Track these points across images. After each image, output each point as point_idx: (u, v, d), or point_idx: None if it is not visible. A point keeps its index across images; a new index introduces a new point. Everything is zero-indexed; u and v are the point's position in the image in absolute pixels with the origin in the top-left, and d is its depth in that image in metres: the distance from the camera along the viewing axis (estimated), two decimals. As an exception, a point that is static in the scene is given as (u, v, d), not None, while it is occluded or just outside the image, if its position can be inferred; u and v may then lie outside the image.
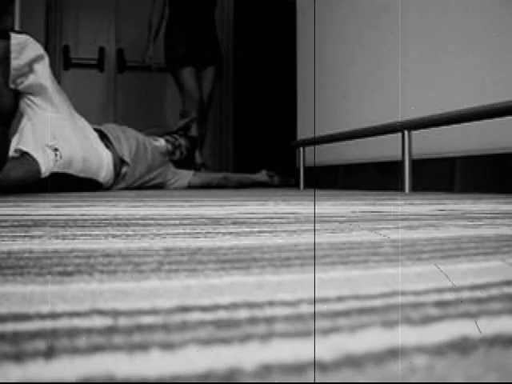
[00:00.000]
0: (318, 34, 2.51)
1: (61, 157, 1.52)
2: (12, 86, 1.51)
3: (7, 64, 1.46)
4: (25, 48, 1.49)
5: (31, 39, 1.52)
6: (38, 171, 1.44)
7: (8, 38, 1.46)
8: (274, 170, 2.60)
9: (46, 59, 1.56)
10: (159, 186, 2.15)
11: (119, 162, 1.91)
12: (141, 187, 2.05)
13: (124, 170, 1.94)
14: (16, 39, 1.47)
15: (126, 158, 1.92)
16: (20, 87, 1.53)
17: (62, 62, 3.51)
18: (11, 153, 1.43)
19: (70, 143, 1.59)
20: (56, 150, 1.51)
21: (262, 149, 3.53)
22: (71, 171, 1.59)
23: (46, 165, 1.46)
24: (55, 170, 1.51)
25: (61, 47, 3.52)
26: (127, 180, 1.97)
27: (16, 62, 1.47)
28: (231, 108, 3.78)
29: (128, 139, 1.98)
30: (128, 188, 1.98)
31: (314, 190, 1.91)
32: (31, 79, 1.52)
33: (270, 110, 3.54)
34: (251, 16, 3.65)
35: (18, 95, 1.55)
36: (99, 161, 1.75)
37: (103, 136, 1.88)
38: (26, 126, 1.53)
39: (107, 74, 3.61)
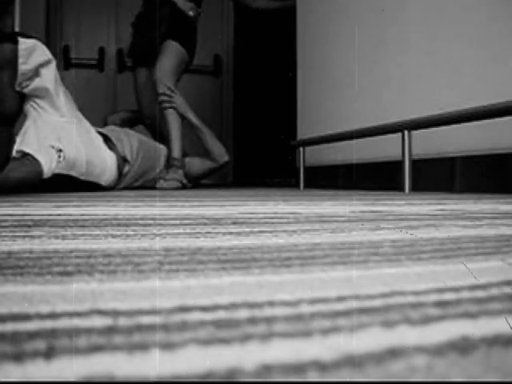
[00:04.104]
0: (318, 34, 2.51)
1: (64, 158, 1.52)
2: (17, 88, 1.52)
3: (15, 68, 1.47)
4: (32, 53, 1.50)
5: (39, 44, 1.53)
6: (40, 172, 1.44)
7: (16, 42, 1.47)
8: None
9: (53, 63, 1.58)
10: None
11: (122, 162, 1.91)
12: (141, 187, 2.05)
13: (126, 168, 1.94)
14: (24, 44, 1.49)
15: (128, 157, 1.93)
16: (25, 90, 1.54)
17: (62, 62, 3.51)
18: (13, 154, 1.44)
19: (75, 146, 1.60)
20: (60, 150, 1.52)
21: (262, 148, 3.53)
22: (73, 173, 1.59)
23: (48, 165, 1.46)
24: (57, 171, 1.51)
25: (61, 47, 3.51)
26: (128, 179, 1.97)
27: (24, 66, 1.49)
28: (231, 108, 3.78)
29: (130, 140, 1.99)
30: (129, 187, 1.99)
31: (312, 190, 1.91)
32: (36, 83, 1.53)
33: (270, 109, 3.54)
34: (251, 16, 3.65)
35: (22, 97, 1.56)
36: (102, 164, 1.75)
37: (106, 139, 1.88)
38: (29, 128, 1.54)
39: (107, 74, 3.61)
